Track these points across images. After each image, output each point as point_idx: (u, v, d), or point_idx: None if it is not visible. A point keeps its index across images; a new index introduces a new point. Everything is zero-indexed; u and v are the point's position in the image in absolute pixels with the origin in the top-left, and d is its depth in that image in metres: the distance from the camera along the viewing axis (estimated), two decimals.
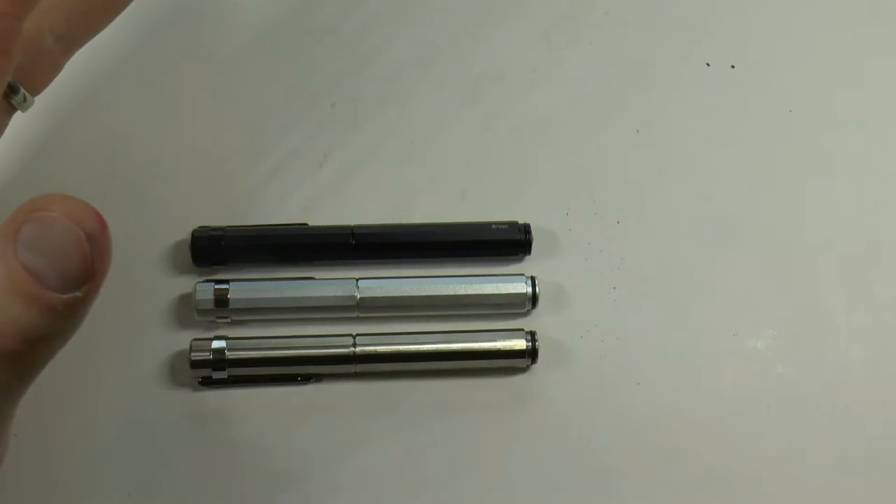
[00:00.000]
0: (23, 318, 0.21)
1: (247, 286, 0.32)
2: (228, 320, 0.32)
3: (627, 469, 0.32)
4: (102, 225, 0.22)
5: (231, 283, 0.32)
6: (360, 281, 0.32)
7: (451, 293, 0.32)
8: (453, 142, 0.34)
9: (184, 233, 0.32)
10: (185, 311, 0.32)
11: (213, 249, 0.32)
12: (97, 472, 0.31)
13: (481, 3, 0.36)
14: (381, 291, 0.32)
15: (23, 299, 0.21)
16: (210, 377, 0.31)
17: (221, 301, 0.31)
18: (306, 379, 0.32)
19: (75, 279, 0.21)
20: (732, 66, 0.36)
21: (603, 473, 0.31)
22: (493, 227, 0.33)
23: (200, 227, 0.32)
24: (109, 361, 0.31)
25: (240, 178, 0.33)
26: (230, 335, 0.31)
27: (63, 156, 0.33)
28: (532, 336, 0.32)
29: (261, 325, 0.32)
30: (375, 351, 0.31)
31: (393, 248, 0.33)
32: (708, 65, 0.36)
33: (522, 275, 0.33)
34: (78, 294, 0.21)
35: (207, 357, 0.31)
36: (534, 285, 0.32)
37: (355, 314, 0.32)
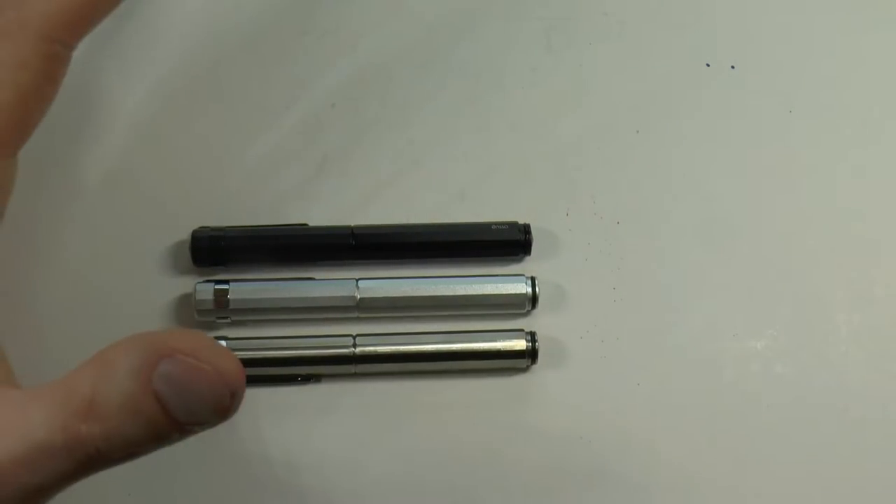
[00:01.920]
0: (136, 437, 0.22)
1: (247, 286, 0.32)
2: (228, 321, 0.32)
3: (627, 469, 0.32)
4: (243, 381, 0.22)
5: (231, 283, 0.32)
6: (360, 281, 0.32)
7: (451, 293, 0.32)
8: (453, 142, 0.34)
9: (184, 233, 0.32)
10: (185, 312, 0.32)
11: (213, 249, 0.32)
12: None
13: (481, 3, 0.36)
14: (381, 292, 0.32)
15: (144, 422, 0.21)
16: None
17: (221, 301, 0.31)
18: (306, 379, 0.32)
19: (202, 419, 0.22)
20: (732, 67, 0.36)
21: (603, 473, 0.31)
22: (493, 227, 0.33)
23: (200, 227, 0.32)
24: None
25: (240, 178, 0.33)
26: (230, 335, 0.32)
27: (63, 155, 0.33)
28: (532, 336, 0.32)
29: (261, 325, 0.32)
30: (375, 351, 0.31)
31: (393, 248, 0.33)
32: (708, 65, 0.36)
33: (522, 275, 0.33)
34: (197, 429, 0.22)
35: None
36: (534, 286, 0.32)
37: (355, 314, 0.32)
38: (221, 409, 0.22)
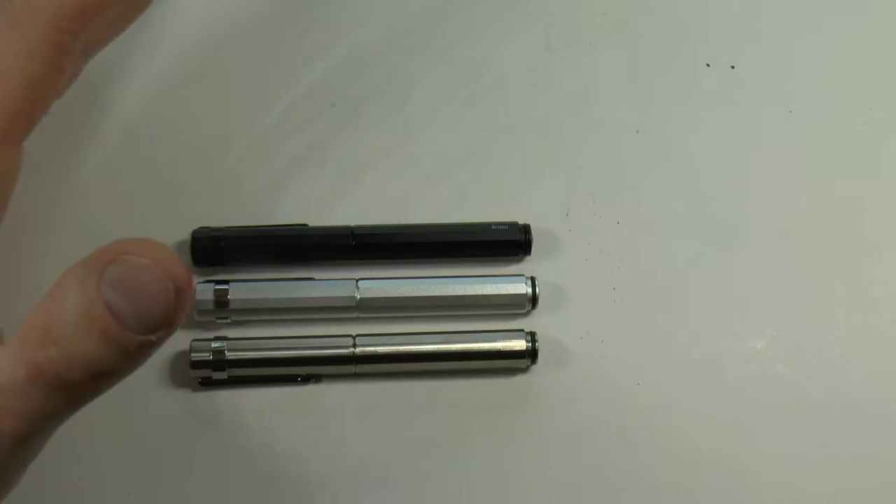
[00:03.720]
0: (94, 353, 0.21)
1: (247, 286, 0.32)
2: (228, 321, 0.32)
3: (627, 469, 0.32)
4: (189, 279, 0.22)
5: (231, 283, 0.32)
6: (360, 281, 0.32)
7: (451, 294, 0.32)
8: (453, 142, 0.34)
9: (184, 233, 0.32)
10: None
11: (213, 249, 0.32)
12: (97, 472, 0.31)
13: (481, 3, 0.36)
14: (381, 292, 0.32)
15: (97, 335, 0.21)
16: (210, 378, 0.31)
17: (221, 301, 0.31)
18: (306, 379, 0.32)
19: (154, 324, 0.22)
20: (732, 67, 0.36)
21: (603, 474, 0.31)
22: (493, 227, 0.33)
23: (200, 227, 0.32)
24: None
25: (240, 178, 0.33)
26: (230, 335, 0.32)
27: (62, 154, 0.33)
28: (532, 336, 0.32)
29: (261, 325, 0.32)
30: (375, 351, 0.31)
31: (393, 248, 0.33)
32: (708, 65, 0.36)
33: (522, 275, 0.33)
34: (153, 338, 0.22)
35: (207, 358, 0.31)
36: (534, 286, 0.32)
37: (355, 315, 0.32)
38: (167, 305, 0.21)
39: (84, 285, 0.21)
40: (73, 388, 0.22)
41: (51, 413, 0.22)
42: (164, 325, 0.22)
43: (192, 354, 0.31)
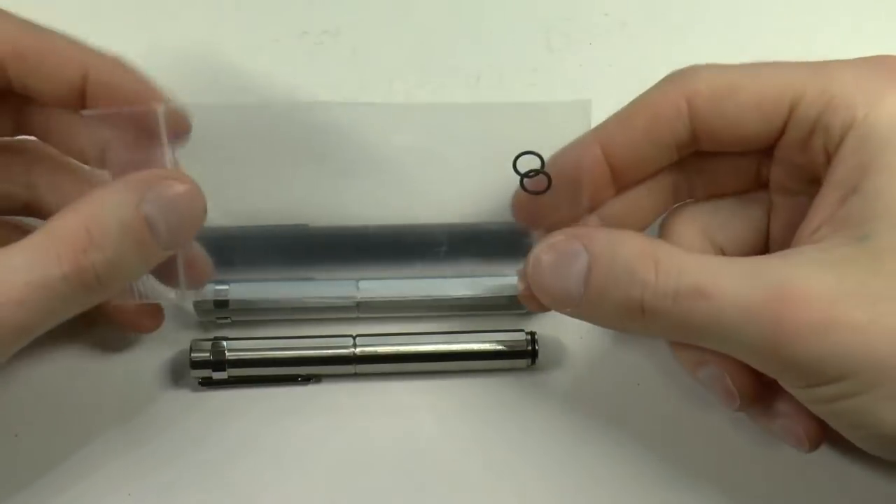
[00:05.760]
0: (132, 263, 0.25)
1: (247, 286, 0.32)
2: (228, 321, 0.32)
3: (627, 470, 0.32)
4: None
5: (231, 283, 0.32)
6: (360, 281, 0.32)
7: (451, 294, 0.32)
8: (454, 142, 0.34)
9: None
10: (186, 312, 0.32)
11: (214, 250, 0.32)
12: (97, 472, 0.31)
13: (482, 3, 0.36)
14: (381, 292, 0.32)
15: (134, 244, 0.24)
16: (210, 378, 0.31)
17: (221, 301, 0.31)
18: (306, 379, 0.32)
19: (179, 241, 0.26)
20: None
21: (603, 473, 0.31)
22: (494, 227, 0.33)
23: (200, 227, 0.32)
24: (110, 362, 0.32)
25: (240, 179, 0.33)
26: (230, 335, 0.32)
27: None
28: (532, 336, 0.32)
29: (261, 325, 0.32)
30: (375, 351, 0.31)
31: (393, 248, 0.33)
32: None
33: None
34: (171, 253, 0.26)
35: (207, 357, 0.31)
36: None
37: (355, 315, 0.32)
38: (197, 225, 0.26)
39: (126, 200, 0.24)
40: (101, 290, 0.24)
41: (69, 310, 0.24)
42: (186, 242, 0.26)
43: (192, 354, 0.31)
